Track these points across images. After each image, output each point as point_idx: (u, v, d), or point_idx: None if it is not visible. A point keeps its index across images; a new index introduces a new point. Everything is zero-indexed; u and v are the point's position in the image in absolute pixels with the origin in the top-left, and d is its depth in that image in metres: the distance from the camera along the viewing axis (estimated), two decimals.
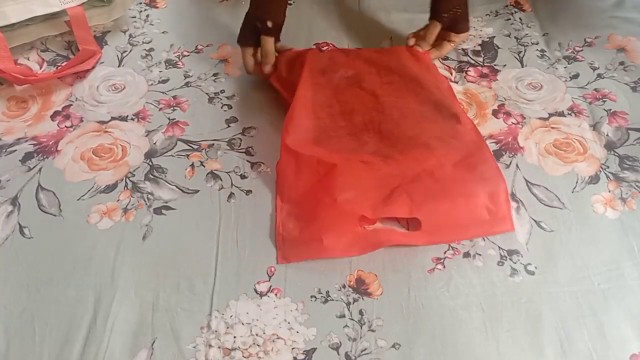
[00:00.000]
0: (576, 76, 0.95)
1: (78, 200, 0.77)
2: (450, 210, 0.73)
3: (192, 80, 0.95)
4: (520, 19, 1.07)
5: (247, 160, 0.82)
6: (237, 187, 0.79)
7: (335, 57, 0.93)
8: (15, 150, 0.83)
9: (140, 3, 1.10)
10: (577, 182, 0.79)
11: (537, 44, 1.01)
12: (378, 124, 0.83)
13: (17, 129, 0.86)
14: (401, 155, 0.78)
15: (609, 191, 0.78)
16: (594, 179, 0.80)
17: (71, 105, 0.90)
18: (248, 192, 0.79)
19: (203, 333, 0.65)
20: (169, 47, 1.01)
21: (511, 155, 0.83)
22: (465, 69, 0.97)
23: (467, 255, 0.72)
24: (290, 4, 1.10)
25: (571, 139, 0.85)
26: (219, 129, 0.87)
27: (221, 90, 0.93)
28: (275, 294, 0.68)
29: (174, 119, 0.88)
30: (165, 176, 0.80)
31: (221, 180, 0.80)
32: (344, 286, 0.69)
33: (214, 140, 0.85)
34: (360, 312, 0.66)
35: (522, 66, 0.97)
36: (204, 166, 0.82)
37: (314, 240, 0.70)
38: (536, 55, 0.99)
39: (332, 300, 0.68)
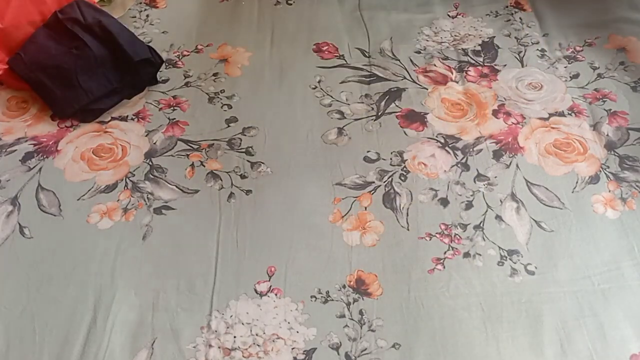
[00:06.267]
0: (576, 76, 0.95)
1: (78, 200, 0.77)
2: None
3: (192, 80, 0.95)
4: (520, 19, 1.07)
5: (247, 160, 0.82)
6: (237, 187, 0.79)
7: None
8: (15, 150, 0.83)
9: (140, 3, 1.10)
10: (577, 182, 0.79)
11: (537, 43, 1.01)
12: None
13: (17, 129, 0.86)
14: None
15: (609, 191, 0.78)
16: (594, 179, 0.79)
17: None
18: (248, 192, 0.78)
19: (203, 333, 0.65)
20: (169, 47, 1.01)
21: (511, 155, 0.83)
22: (466, 69, 0.96)
23: (467, 255, 0.72)
24: (290, 4, 1.10)
25: (571, 139, 0.85)
26: (219, 129, 0.87)
27: (221, 90, 0.93)
28: (275, 294, 0.68)
29: (174, 118, 0.88)
30: (165, 176, 0.80)
31: (221, 180, 0.80)
32: (344, 286, 0.69)
33: (214, 140, 0.85)
34: (360, 312, 0.66)
35: (522, 66, 0.97)
36: (204, 166, 0.82)
37: None
38: (536, 55, 0.99)
39: (332, 300, 0.68)
